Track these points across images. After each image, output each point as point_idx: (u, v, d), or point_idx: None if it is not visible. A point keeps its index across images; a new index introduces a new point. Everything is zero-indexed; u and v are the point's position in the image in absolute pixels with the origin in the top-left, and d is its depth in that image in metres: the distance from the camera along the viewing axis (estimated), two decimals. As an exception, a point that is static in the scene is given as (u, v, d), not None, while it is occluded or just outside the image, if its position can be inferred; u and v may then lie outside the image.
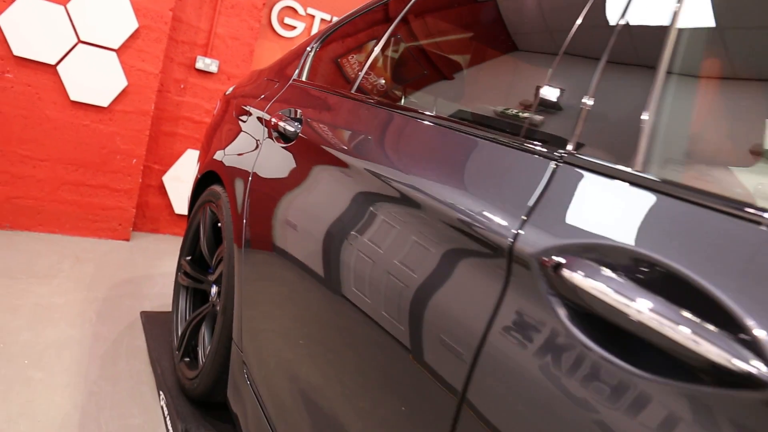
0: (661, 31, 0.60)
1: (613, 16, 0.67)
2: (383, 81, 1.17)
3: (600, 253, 0.48)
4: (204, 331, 1.56)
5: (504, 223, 0.58)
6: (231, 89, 2.06)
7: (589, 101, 0.63)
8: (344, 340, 0.82)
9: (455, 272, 0.62)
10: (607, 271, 0.46)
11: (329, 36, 1.55)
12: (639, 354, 0.43)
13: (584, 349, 0.46)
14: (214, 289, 1.59)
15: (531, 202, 0.58)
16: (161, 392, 1.62)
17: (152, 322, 2.08)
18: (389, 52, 1.20)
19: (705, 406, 0.38)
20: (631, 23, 0.64)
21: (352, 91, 1.18)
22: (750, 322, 0.37)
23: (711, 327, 0.39)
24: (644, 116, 0.56)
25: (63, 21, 2.57)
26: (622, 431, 0.41)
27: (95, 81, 2.72)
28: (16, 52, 2.51)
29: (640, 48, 0.62)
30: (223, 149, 1.66)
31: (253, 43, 3.33)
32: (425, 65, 1.14)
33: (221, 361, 1.37)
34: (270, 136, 1.34)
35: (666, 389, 0.40)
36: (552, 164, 0.60)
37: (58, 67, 2.62)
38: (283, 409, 1.00)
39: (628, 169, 0.54)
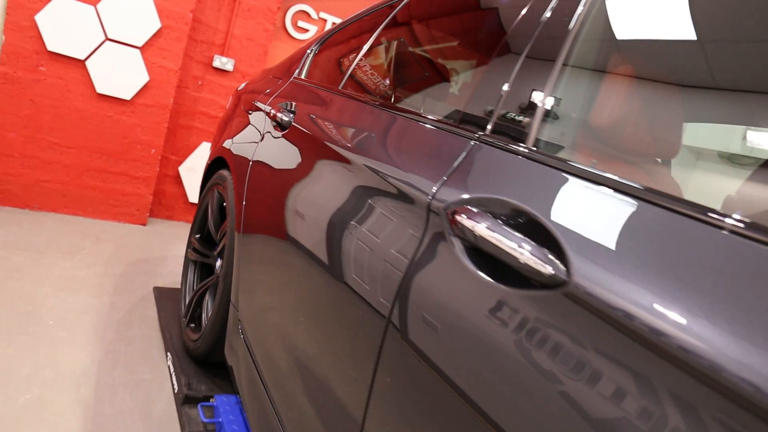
0: (558, 36, 0.77)
1: (525, 25, 0.83)
2: (361, 78, 1.35)
3: (485, 205, 0.65)
4: (207, 300, 1.75)
5: (428, 185, 0.75)
6: (243, 85, 2.26)
7: (502, 95, 0.79)
8: (315, 296, 0.99)
9: (393, 221, 0.80)
10: (487, 216, 0.63)
11: (326, 40, 1.73)
12: (501, 272, 0.60)
13: (467, 270, 0.63)
14: (218, 263, 1.77)
15: (450, 170, 0.75)
16: (168, 353, 1.81)
17: (163, 296, 2.28)
18: (369, 56, 1.37)
19: (538, 303, 0.54)
20: (535, 33, 0.80)
21: (339, 87, 1.36)
22: (564, 245, 0.54)
23: (543, 249, 0.56)
24: (538, 106, 0.73)
25: (93, 20, 2.81)
26: (488, 320, 0.58)
27: (120, 76, 2.94)
28: (49, 48, 2.74)
29: (543, 51, 0.78)
30: (232, 138, 1.85)
31: (267, 44, 3.53)
32: (390, 68, 1.31)
33: (221, 323, 1.55)
34: (270, 127, 1.53)
35: (515, 294, 0.56)
36: (472, 142, 0.77)
37: (87, 62, 2.85)
38: (269, 358, 1.17)
39: (522, 147, 0.70)
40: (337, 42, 1.65)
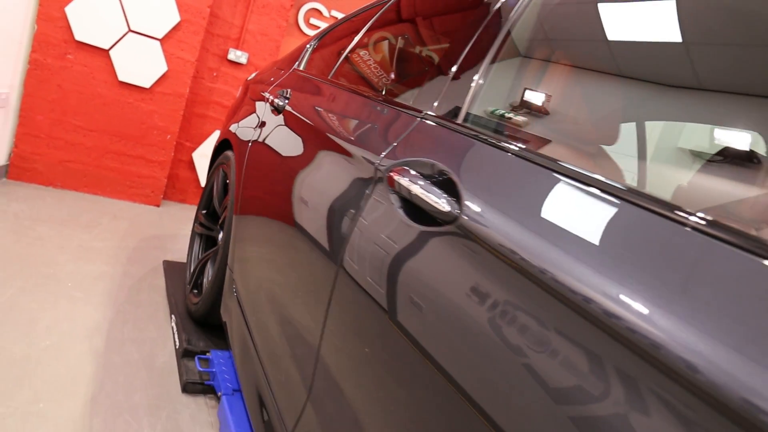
0: (488, 35, 0.92)
1: (465, 27, 0.99)
2: (346, 69, 1.51)
3: (413, 166, 0.81)
4: (209, 268, 1.93)
5: (378, 153, 0.92)
6: (252, 75, 2.44)
7: (445, 80, 0.95)
8: (290, 252, 1.16)
9: (351, 182, 0.96)
10: (413, 174, 0.79)
11: (324, 36, 1.90)
12: (420, 215, 0.75)
13: (400, 218, 0.79)
14: (221, 235, 1.96)
15: (397, 141, 0.91)
16: (173, 315, 2.00)
17: (172, 268, 2.47)
18: (353, 51, 1.54)
19: (441, 235, 0.69)
20: (475, 34, 0.96)
21: (329, 77, 1.53)
22: (462, 191, 0.70)
23: (448, 195, 0.71)
24: (470, 88, 0.89)
25: (117, 12, 3.02)
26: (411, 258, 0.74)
27: (140, 65, 3.15)
28: (77, 37, 2.96)
29: (476, 47, 0.94)
30: (237, 123, 2.03)
31: (280, 39, 3.72)
32: (367, 62, 1.48)
33: (218, 286, 1.73)
34: (268, 111, 1.70)
35: (428, 231, 0.72)
36: (417, 119, 0.93)
37: (111, 52, 3.07)
38: (253, 309, 1.34)
39: (453, 123, 0.86)
40: (331, 38, 1.82)
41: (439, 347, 0.63)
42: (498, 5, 0.97)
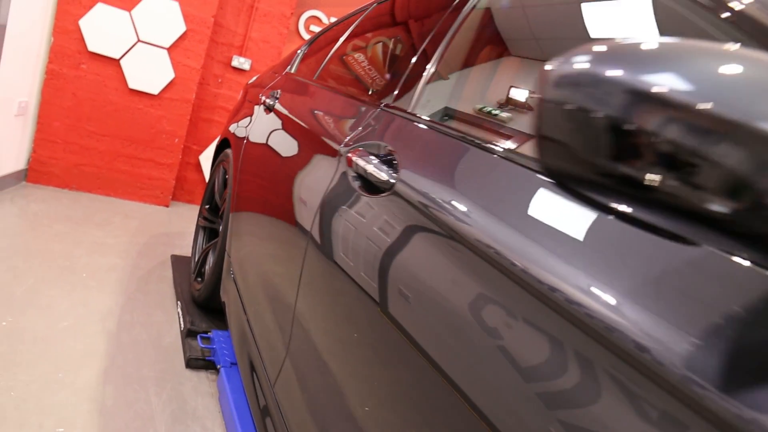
0: (436, 37, 1.07)
1: (419, 31, 1.14)
2: (328, 71, 1.67)
3: (368, 147, 0.96)
4: (210, 258, 2.10)
5: (343, 138, 1.07)
6: (252, 80, 2.61)
7: (401, 75, 1.10)
8: (272, 229, 1.31)
9: (321, 164, 1.11)
10: (365, 153, 0.94)
11: (312, 42, 2.06)
12: (370, 187, 0.90)
13: (354, 190, 0.94)
14: (222, 227, 2.12)
15: (360, 128, 1.06)
16: (179, 302, 2.17)
17: (178, 262, 2.64)
18: (334, 56, 1.70)
19: (383, 201, 0.84)
20: (427, 38, 1.11)
21: (313, 78, 1.69)
22: (399, 163, 0.84)
23: (388, 168, 0.86)
24: (418, 84, 1.04)
25: (127, 24, 3.22)
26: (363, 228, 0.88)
27: (149, 73, 3.35)
28: (90, 48, 3.16)
29: (427, 50, 1.09)
30: (237, 123, 2.20)
31: (281, 46, 3.90)
32: (343, 63, 1.63)
33: (218, 272, 1.90)
34: (261, 111, 1.86)
35: (374, 199, 0.87)
36: (378, 110, 1.08)
37: (121, 61, 3.27)
38: (248, 289, 1.50)
39: (403, 112, 1.01)
40: (317, 45, 1.98)
41: (384, 292, 0.78)
42: (441, 18, 1.12)
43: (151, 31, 3.29)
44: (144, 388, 1.63)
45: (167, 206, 3.67)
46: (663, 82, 0.33)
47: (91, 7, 3.12)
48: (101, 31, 3.17)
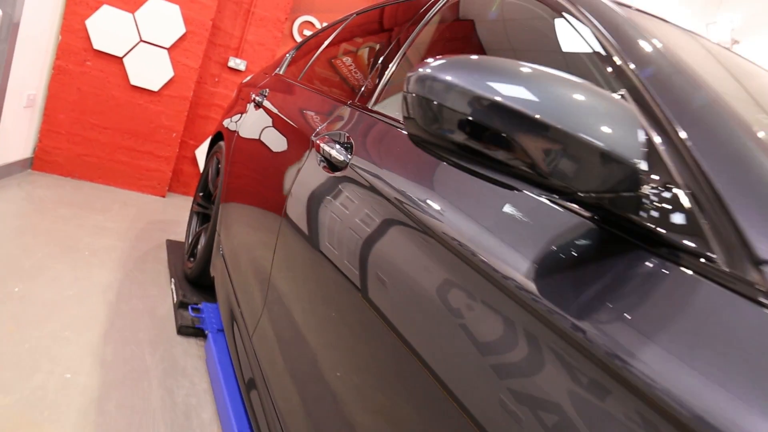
0: (392, 48, 1.30)
1: (379, 41, 1.37)
2: (310, 73, 1.91)
3: (331, 135, 1.19)
4: (202, 239, 2.32)
5: (314, 128, 1.30)
6: (246, 79, 2.84)
7: (366, 80, 1.33)
8: (258, 211, 1.53)
9: (296, 150, 1.34)
10: (329, 140, 1.17)
11: (300, 47, 2.30)
12: (333, 166, 1.13)
13: (321, 171, 1.16)
14: (213, 211, 2.34)
15: (328, 120, 1.29)
16: (173, 279, 2.38)
17: (173, 246, 2.85)
18: (317, 59, 1.93)
19: (341, 178, 1.07)
20: (384, 48, 1.34)
21: (298, 79, 1.92)
22: (354, 146, 1.07)
23: (346, 150, 1.09)
24: (377, 85, 1.27)
25: (130, 25, 3.44)
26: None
27: (150, 71, 3.57)
28: (95, 46, 3.38)
29: (384, 56, 1.32)
30: (230, 118, 2.43)
31: (275, 48, 4.12)
32: (322, 65, 1.87)
33: (208, 251, 2.12)
34: (251, 107, 2.09)
35: (334, 177, 1.09)
36: (344, 106, 1.31)
37: (124, 59, 3.49)
38: (234, 262, 1.72)
39: (363, 108, 1.24)
40: (305, 49, 2.22)
41: (341, 251, 1.00)
42: (401, 31, 1.36)
43: (152, 31, 3.51)
44: (140, 349, 1.84)
45: (164, 197, 3.88)
46: (472, 84, 0.55)
47: (97, 8, 3.34)
48: (106, 30, 3.39)
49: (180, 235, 3.14)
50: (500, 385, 0.53)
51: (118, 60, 3.49)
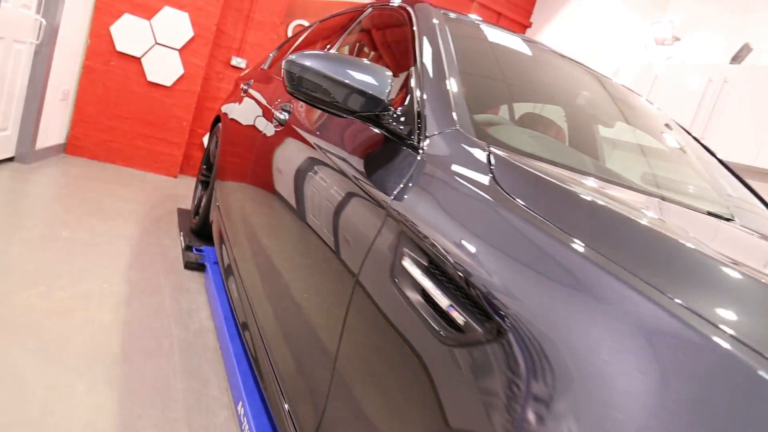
0: (341, 41, 1.88)
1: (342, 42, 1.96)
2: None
3: (283, 107, 1.78)
4: (203, 201, 2.92)
5: (274, 104, 1.89)
6: (243, 74, 3.44)
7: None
8: (243, 172, 2.12)
9: (262, 120, 1.94)
10: (281, 109, 1.75)
11: (282, 46, 2.89)
12: (281, 126, 1.72)
13: (274, 128, 1.75)
14: (212, 177, 2.95)
15: (282, 97, 1.88)
16: (181, 232, 3.00)
17: (182, 212, 3.47)
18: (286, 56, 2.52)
19: (283, 133, 1.65)
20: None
21: (275, 72, 2.51)
22: (293, 113, 1.66)
23: (288, 114, 1.67)
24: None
25: (147, 30, 4.07)
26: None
27: (164, 69, 4.19)
28: (118, 48, 4.02)
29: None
30: (227, 105, 3.03)
31: (272, 49, 4.72)
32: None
33: (208, 208, 2.72)
34: (241, 95, 2.69)
35: (280, 132, 1.67)
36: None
37: (142, 59, 4.12)
38: (225, 206, 2.31)
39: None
40: (285, 48, 2.81)
41: (279, 178, 1.59)
42: (343, 34, 1.94)
43: (166, 35, 4.14)
44: (156, 275, 2.45)
45: (175, 177, 4.51)
46: (308, 62, 1.12)
47: (119, 16, 3.97)
48: (127, 35, 4.02)
49: (188, 205, 3.76)
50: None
51: (137, 60, 4.12)
